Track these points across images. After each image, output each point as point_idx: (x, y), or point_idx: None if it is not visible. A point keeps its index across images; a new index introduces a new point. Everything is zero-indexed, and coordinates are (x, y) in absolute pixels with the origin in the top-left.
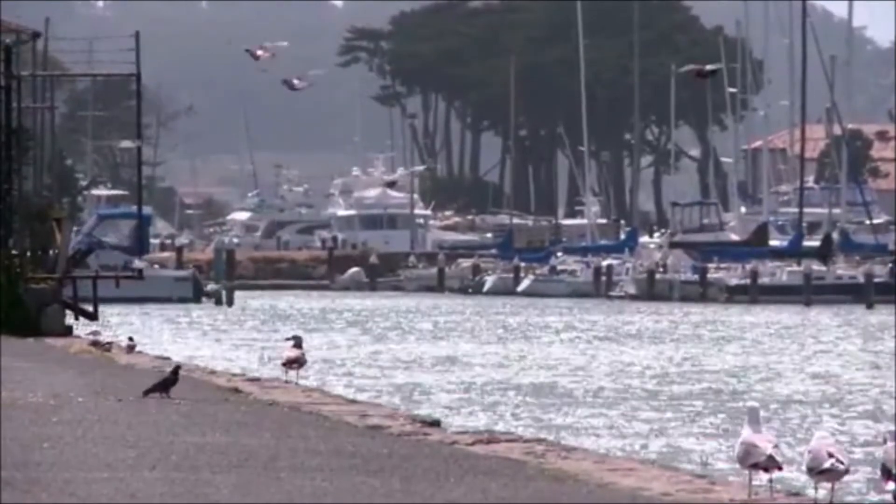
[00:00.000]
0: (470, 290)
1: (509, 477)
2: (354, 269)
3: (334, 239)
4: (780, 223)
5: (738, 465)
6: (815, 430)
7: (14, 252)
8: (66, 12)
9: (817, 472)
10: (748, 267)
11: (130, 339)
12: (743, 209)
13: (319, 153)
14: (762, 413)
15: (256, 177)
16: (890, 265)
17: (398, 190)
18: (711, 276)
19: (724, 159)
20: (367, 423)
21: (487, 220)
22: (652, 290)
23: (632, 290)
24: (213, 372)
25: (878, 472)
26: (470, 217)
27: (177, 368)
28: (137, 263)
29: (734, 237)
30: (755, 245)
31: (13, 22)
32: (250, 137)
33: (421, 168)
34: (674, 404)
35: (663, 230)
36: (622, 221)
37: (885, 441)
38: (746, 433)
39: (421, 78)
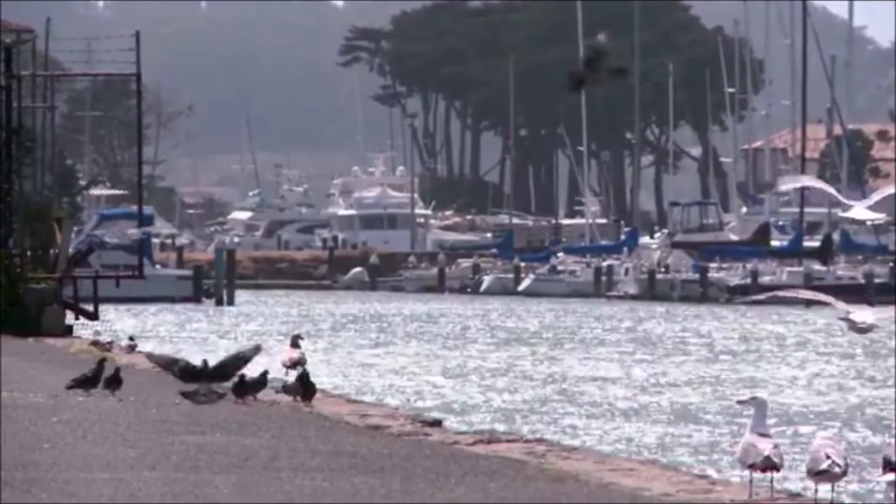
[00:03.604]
0: (468, 290)
1: (510, 477)
2: (357, 269)
3: (335, 238)
4: (780, 223)
5: (739, 465)
6: (819, 431)
7: (14, 252)
8: (66, 12)
9: (815, 473)
10: (748, 267)
11: (131, 338)
12: (743, 209)
13: (320, 153)
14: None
15: (257, 176)
16: (890, 265)
17: (398, 190)
18: (712, 276)
19: (724, 159)
20: (367, 422)
21: (487, 220)
22: (653, 291)
23: (632, 289)
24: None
25: (881, 466)
26: (470, 217)
27: (264, 373)
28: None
29: (734, 237)
30: (759, 245)
31: (13, 22)
32: (251, 137)
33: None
34: (677, 405)
35: (663, 230)
36: (622, 221)
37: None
38: (749, 433)
39: (421, 78)
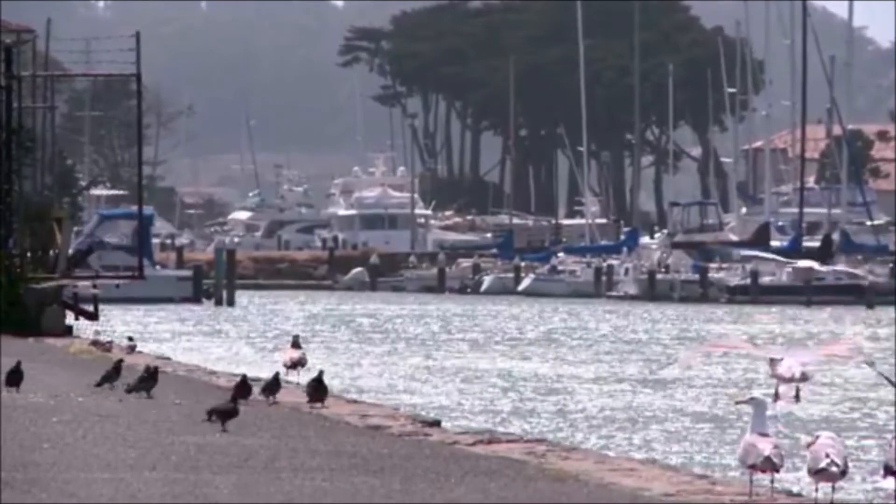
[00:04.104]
0: (469, 290)
1: (510, 477)
2: (358, 269)
3: (335, 239)
4: (780, 224)
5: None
6: (822, 432)
7: (14, 252)
8: (66, 13)
9: (814, 472)
10: (748, 267)
11: (130, 338)
12: (743, 209)
13: (320, 153)
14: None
15: (257, 176)
16: (890, 265)
17: (398, 190)
18: (712, 276)
19: (724, 159)
20: (367, 423)
21: (488, 220)
22: (653, 291)
23: (632, 290)
24: (213, 372)
25: (881, 471)
26: (470, 217)
27: (276, 375)
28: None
29: (734, 237)
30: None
31: (13, 22)
32: (251, 137)
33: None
34: (676, 406)
35: (663, 230)
36: (622, 221)
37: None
38: (749, 432)
39: (421, 78)
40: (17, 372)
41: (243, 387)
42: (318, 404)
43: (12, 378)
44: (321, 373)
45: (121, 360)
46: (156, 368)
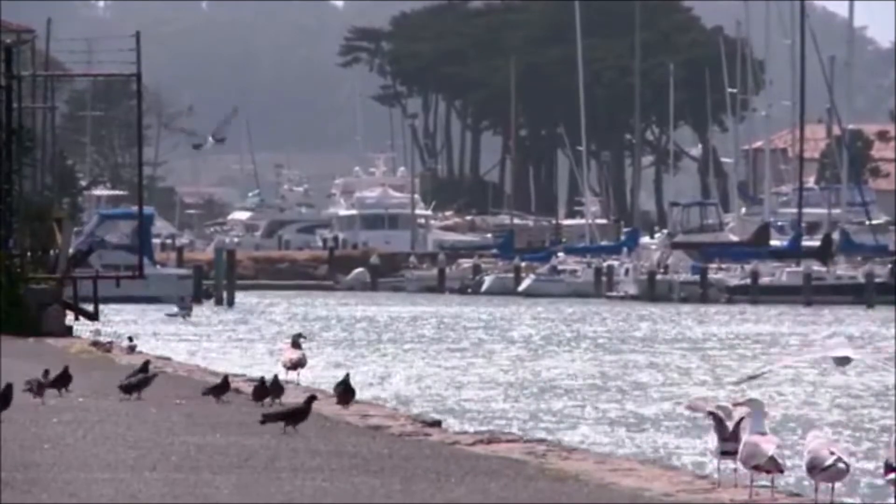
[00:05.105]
0: (469, 291)
1: (510, 477)
2: (359, 270)
3: (335, 239)
4: (779, 224)
5: (741, 466)
6: (811, 430)
7: (14, 252)
8: (66, 13)
9: (820, 470)
10: (748, 268)
11: (130, 339)
12: (743, 209)
13: (320, 153)
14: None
15: (257, 176)
16: (890, 265)
17: (398, 190)
18: (712, 276)
19: (724, 159)
20: (367, 423)
21: (488, 221)
22: (653, 291)
23: (632, 290)
24: (213, 373)
25: (882, 469)
26: (470, 217)
27: (275, 377)
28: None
29: (734, 238)
30: (756, 245)
31: (13, 22)
32: (251, 137)
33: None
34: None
35: (663, 230)
36: (622, 221)
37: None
38: (749, 434)
39: (421, 78)
40: (65, 376)
41: (262, 388)
42: (346, 406)
43: (62, 381)
44: (347, 376)
45: (147, 362)
46: (226, 376)
